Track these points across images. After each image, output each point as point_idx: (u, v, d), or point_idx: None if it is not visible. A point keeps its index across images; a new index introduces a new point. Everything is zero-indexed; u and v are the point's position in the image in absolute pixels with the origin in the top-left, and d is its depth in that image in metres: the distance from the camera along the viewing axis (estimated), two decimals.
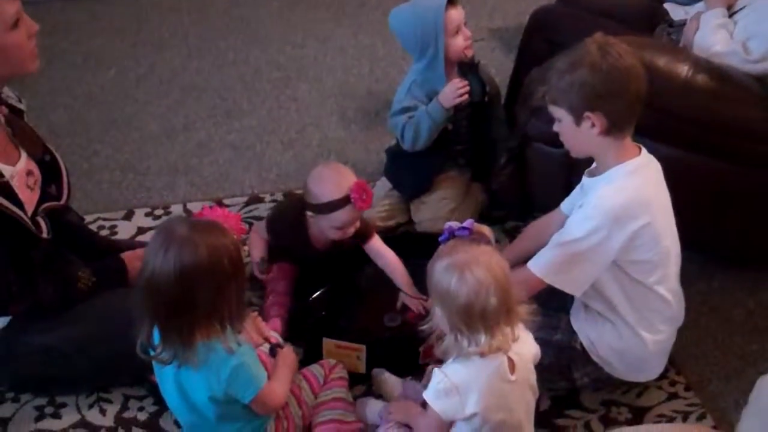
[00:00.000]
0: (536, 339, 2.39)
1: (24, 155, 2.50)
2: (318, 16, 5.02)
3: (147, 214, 3.43)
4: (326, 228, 2.81)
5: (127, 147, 3.91)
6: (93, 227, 3.29)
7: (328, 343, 2.66)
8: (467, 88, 3.05)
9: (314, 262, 2.94)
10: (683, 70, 2.82)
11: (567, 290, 2.43)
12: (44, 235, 2.45)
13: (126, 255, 2.69)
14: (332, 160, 3.66)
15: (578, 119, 2.33)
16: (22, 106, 2.62)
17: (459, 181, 3.28)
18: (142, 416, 2.63)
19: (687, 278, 2.60)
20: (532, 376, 2.22)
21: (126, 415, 2.64)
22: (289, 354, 2.46)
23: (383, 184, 3.37)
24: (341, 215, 2.74)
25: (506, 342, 2.08)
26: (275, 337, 2.61)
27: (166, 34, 4.87)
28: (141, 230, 3.33)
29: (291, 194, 3.46)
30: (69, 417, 2.63)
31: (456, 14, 3.03)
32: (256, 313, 2.66)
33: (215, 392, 2.16)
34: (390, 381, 2.62)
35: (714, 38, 3.01)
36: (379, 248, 2.92)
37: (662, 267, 2.46)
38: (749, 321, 2.95)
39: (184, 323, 2.07)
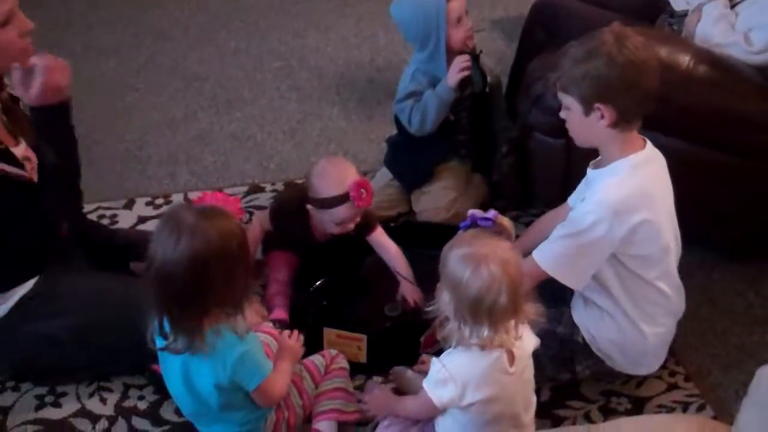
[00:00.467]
0: (540, 330, 2.39)
1: (22, 142, 2.50)
2: (319, 6, 5.01)
3: (148, 203, 3.43)
4: (326, 222, 2.82)
5: (128, 136, 3.91)
6: (93, 216, 3.31)
7: (329, 333, 2.66)
8: (469, 63, 3.05)
9: (316, 251, 2.94)
10: (685, 60, 2.81)
11: (567, 283, 2.43)
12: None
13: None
14: (336, 155, 3.65)
15: (588, 109, 2.32)
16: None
17: (460, 171, 3.28)
18: (142, 405, 2.63)
19: (687, 270, 2.60)
20: (530, 371, 2.23)
21: (126, 404, 2.64)
22: (291, 345, 2.45)
23: (384, 174, 3.37)
24: (340, 212, 2.75)
25: (509, 339, 2.08)
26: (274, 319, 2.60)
27: (167, 23, 4.86)
28: (141, 219, 3.33)
29: (292, 184, 3.45)
30: (69, 406, 2.64)
31: (457, 4, 3.02)
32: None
33: (221, 379, 2.15)
34: (414, 379, 2.57)
35: (715, 29, 3.00)
36: (381, 240, 2.93)
37: (663, 262, 2.46)
38: (749, 312, 2.95)
39: (195, 310, 2.06)
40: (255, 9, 4.99)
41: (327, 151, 3.67)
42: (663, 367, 2.69)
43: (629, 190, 2.35)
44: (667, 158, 2.46)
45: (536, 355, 2.50)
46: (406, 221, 3.26)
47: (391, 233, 2.94)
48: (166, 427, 2.57)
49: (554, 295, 2.48)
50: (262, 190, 3.48)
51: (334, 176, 2.76)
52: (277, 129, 3.92)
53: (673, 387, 2.67)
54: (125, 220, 3.34)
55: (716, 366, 2.76)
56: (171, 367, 2.25)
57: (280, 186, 3.50)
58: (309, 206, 2.81)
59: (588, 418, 2.57)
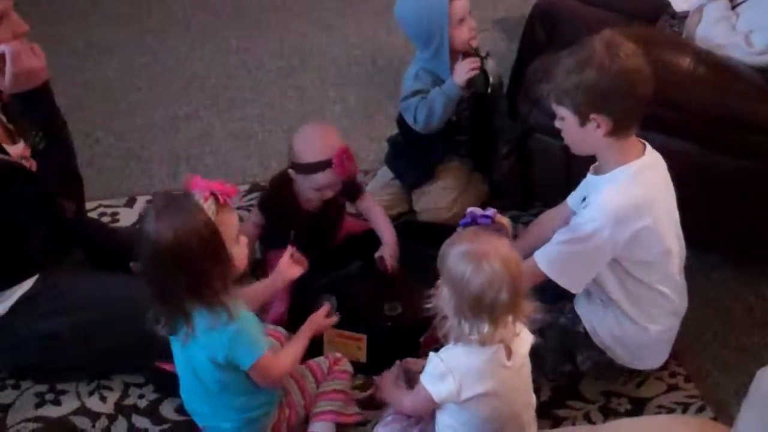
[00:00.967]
0: (542, 321, 2.45)
1: (21, 142, 2.50)
2: (321, 5, 5.01)
3: (149, 202, 3.42)
4: (305, 188, 2.84)
5: (130, 135, 3.92)
6: (94, 214, 3.31)
7: (329, 332, 2.66)
8: (478, 63, 3.05)
9: (306, 224, 2.93)
10: (686, 61, 2.81)
11: (567, 287, 2.45)
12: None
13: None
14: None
15: (583, 120, 2.32)
16: None
17: (461, 170, 3.28)
18: (142, 403, 2.63)
19: (687, 272, 2.60)
20: (528, 368, 2.23)
21: (126, 402, 2.64)
22: (314, 319, 2.44)
23: (385, 174, 3.37)
24: (320, 178, 2.77)
25: (508, 335, 2.09)
26: None
27: (169, 22, 4.86)
28: (143, 218, 3.32)
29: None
30: (69, 404, 2.64)
31: (461, 5, 3.02)
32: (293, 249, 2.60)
33: (216, 356, 2.16)
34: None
35: (716, 30, 3.00)
36: (368, 205, 2.99)
37: (663, 266, 2.47)
38: (749, 314, 2.95)
39: (174, 300, 2.10)
40: (257, 8, 4.99)
41: None
42: (663, 368, 2.70)
43: (630, 199, 2.36)
44: (668, 160, 2.47)
45: (537, 347, 2.52)
46: (406, 221, 3.26)
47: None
48: (166, 426, 2.57)
49: (557, 288, 2.48)
50: (263, 188, 3.48)
51: (317, 142, 2.79)
52: (278, 128, 3.92)
53: (673, 388, 2.67)
54: (126, 218, 3.34)
55: (716, 367, 2.76)
56: (178, 355, 2.27)
57: None
58: (290, 171, 2.84)
59: (588, 419, 2.57)
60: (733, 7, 3.08)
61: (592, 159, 2.50)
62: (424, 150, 3.22)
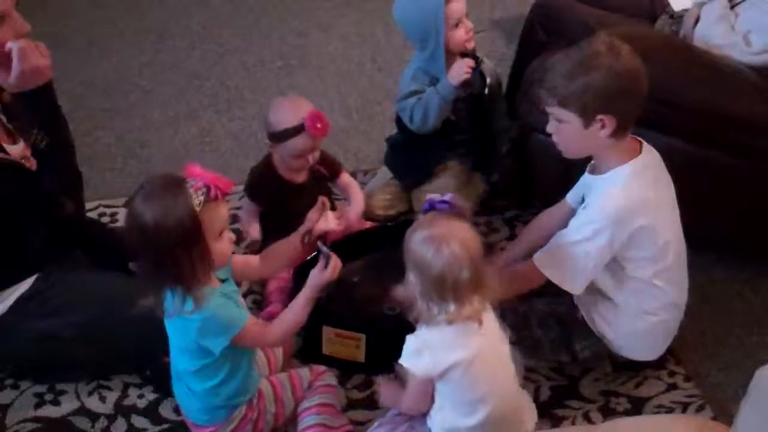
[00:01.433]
0: (541, 311, 2.59)
1: (21, 141, 2.50)
2: (320, 5, 5.01)
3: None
4: (286, 158, 2.90)
5: (129, 134, 3.92)
6: (94, 214, 3.31)
7: (327, 332, 2.66)
8: (473, 63, 3.05)
9: (297, 196, 2.94)
10: (683, 61, 2.81)
11: (567, 288, 2.46)
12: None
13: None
14: (332, 148, 3.67)
15: (589, 121, 2.32)
16: None
17: (460, 170, 3.28)
18: (141, 403, 2.64)
19: (687, 270, 2.60)
20: (501, 336, 2.28)
21: (126, 402, 2.64)
22: (316, 274, 2.39)
23: (384, 173, 3.38)
24: (296, 142, 2.82)
25: (475, 312, 2.15)
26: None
27: (169, 22, 4.86)
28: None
29: None
30: (69, 404, 2.64)
31: (457, 6, 3.02)
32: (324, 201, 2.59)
33: (187, 341, 2.20)
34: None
35: (715, 30, 3.00)
36: (347, 182, 3.08)
37: (660, 262, 2.47)
38: (749, 312, 2.95)
39: (153, 276, 2.13)
40: (256, 8, 4.99)
41: (328, 149, 3.66)
42: (662, 367, 2.70)
43: (630, 200, 2.37)
44: (667, 159, 2.47)
45: (536, 336, 2.55)
46: (405, 220, 3.25)
47: (391, 232, 2.94)
48: (165, 426, 2.58)
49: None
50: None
51: (288, 108, 2.85)
52: None
53: (672, 387, 2.68)
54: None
55: (716, 366, 2.76)
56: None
57: None
58: (269, 143, 2.90)
59: (587, 418, 2.58)
60: (732, 7, 3.08)
61: (590, 158, 2.51)
62: (423, 150, 3.22)
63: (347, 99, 4.14)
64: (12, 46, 2.35)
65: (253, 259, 2.53)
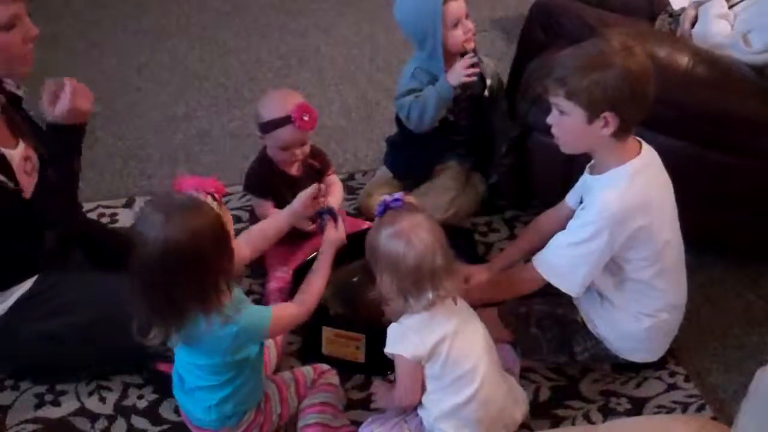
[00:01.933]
0: (540, 312, 2.59)
1: (22, 142, 2.50)
2: (320, 5, 5.01)
3: (146, 203, 3.42)
4: (274, 150, 2.92)
5: (129, 135, 3.92)
6: (93, 215, 3.31)
7: (327, 332, 2.66)
8: (477, 70, 3.05)
9: (295, 187, 2.90)
10: (684, 61, 2.81)
11: (567, 290, 2.47)
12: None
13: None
14: (336, 154, 3.69)
15: (593, 117, 2.31)
16: (20, 93, 2.62)
17: (459, 170, 3.28)
18: (141, 404, 2.63)
19: (687, 270, 2.60)
20: (480, 323, 2.34)
21: (125, 403, 2.64)
22: (329, 237, 2.52)
23: (384, 173, 3.38)
24: (283, 134, 2.84)
25: (450, 291, 2.22)
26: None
27: (168, 22, 4.86)
28: (143, 225, 3.31)
29: None
30: (68, 405, 2.64)
31: (455, 7, 3.02)
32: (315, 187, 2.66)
33: (215, 359, 2.18)
34: None
35: (714, 29, 3.01)
36: (333, 179, 3.10)
37: (659, 262, 2.47)
38: (749, 312, 2.95)
39: (173, 301, 2.06)
40: (255, 8, 4.99)
41: (326, 150, 3.66)
42: (663, 367, 2.70)
43: (629, 200, 2.36)
44: (667, 158, 2.47)
45: (535, 337, 2.55)
46: None
47: None
48: (165, 426, 2.57)
49: None
50: None
51: (276, 100, 2.88)
52: None
53: (672, 387, 2.67)
54: (125, 219, 3.33)
55: (716, 366, 2.76)
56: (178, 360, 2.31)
57: None
58: (259, 134, 2.92)
59: (587, 419, 2.57)
60: (730, 7, 3.08)
61: (590, 158, 2.50)
62: (422, 150, 3.22)
63: (347, 99, 4.14)
64: (66, 83, 2.44)
65: (240, 247, 2.45)
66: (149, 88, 4.27)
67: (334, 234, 2.53)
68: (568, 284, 2.45)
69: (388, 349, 2.27)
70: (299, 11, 4.95)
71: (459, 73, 3.02)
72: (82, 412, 2.62)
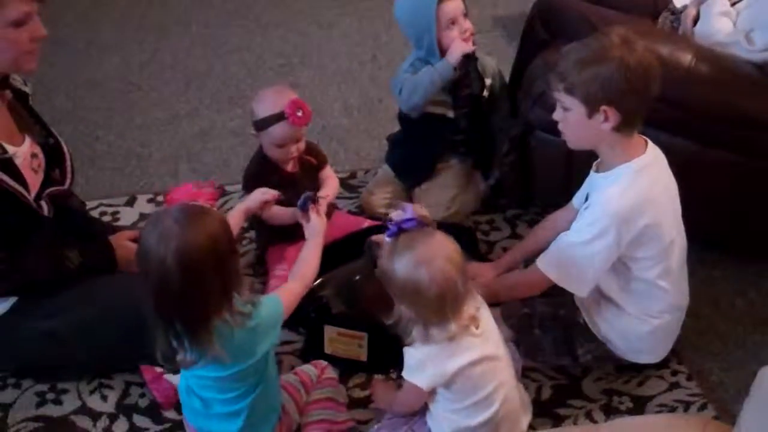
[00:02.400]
0: (543, 313, 2.58)
1: (28, 138, 2.51)
2: (321, 3, 5.01)
3: (149, 201, 3.43)
4: (270, 147, 2.90)
5: (130, 133, 3.91)
6: (95, 213, 3.30)
7: (329, 331, 2.66)
8: (471, 46, 3.05)
9: (292, 184, 2.95)
10: (686, 59, 2.81)
11: (573, 291, 2.46)
12: (45, 212, 2.47)
13: (114, 238, 2.69)
14: (339, 153, 3.69)
15: (592, 112, 2.31)
16: (27, 89, 2.62)
17: (460, 168, 3.28)
18: (143, 402, 2.63)
19: (689, 268, 2.60)
20: (496, 328, 2.29)
21: (127, 401, 2.64)
22: (312, 225, 2.50)
23: (386, 172, 3.37)
24: (277, 130, 2.83)
25: (472, 317, 2.16)
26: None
27: (170, 20, 4.86)
28: (143, 216, 3.32)
29: None
30: (70, 403, 2.64)
31: (450, 7, 3.01)
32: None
33: (253, 356, 2.16)
34: None
35: (716, 27, 3.00)
36: (328, 174, 3.07)
37: (664, 261, 2.47)
38: (751, 311, 2.95)
39: (199, 317, 2.02)
40: (257, 6, 4.99)
41: (328, 149, 3.67)
42: (665, 366, 2.70)
43: (634, 198, 2.36)
44: (669, 157, 2.46)
45: (537, 338, 2.54)
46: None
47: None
48: (166, 425, 2.57)
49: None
50: None
51: (269, 97, 2.87)
52: None
53: (674, 386, 2.67)
54: (127, 217, 3.33)
55: (718, 365, 2.76)
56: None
57: None
58: (253, 132, 2.92)
59: (589, 417, 2.57)
60: (732, 5, 3.07)
61: (592, 156, 2.50)
62: (423, 148, 3.22)
63: (348, 97, 4.13)
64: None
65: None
66: (150, 86, 4.26)
67: (317, 220, 2.50)
68: (576, 285, 2.45)
69: (405, 376, 2.22)
70: (300, 9, 4.94)
71: (456, 50, 3.01)
72: (84, 410, 2.61)
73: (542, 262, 2.47)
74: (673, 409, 2.60)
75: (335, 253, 2.93)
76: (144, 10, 4.98)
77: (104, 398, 2.65)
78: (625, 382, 2.67)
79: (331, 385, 2.52)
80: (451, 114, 3.15)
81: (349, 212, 3.26)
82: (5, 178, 2.36)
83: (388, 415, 2.45)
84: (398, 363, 2.63)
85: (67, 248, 2.56)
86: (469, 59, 3.08)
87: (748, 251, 3.11)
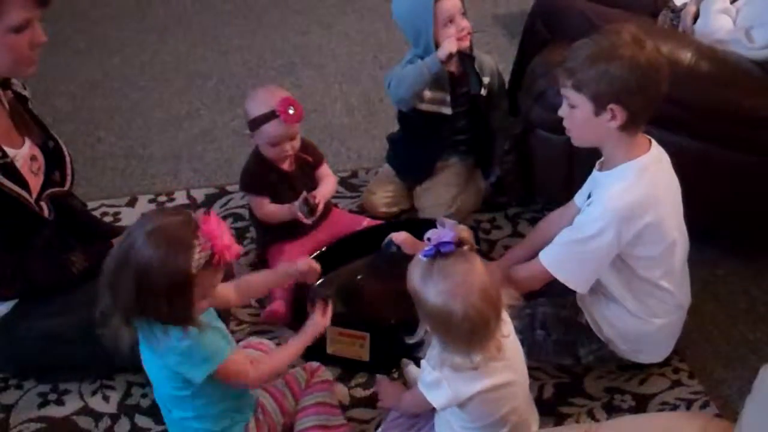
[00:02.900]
0: (545, 313, 2.56)
1: (28, 141, 2.51)
2: (322, 3, 5.01)
3: (150, 201, 3.43)
4: (265, 147, 2.92)
5: (131, 134, 3.92)
6: (96, 214, 3.30)
7: (331, 330, 2.65)
8: (464, 44, 3.05)
9: (290, 182, 2.99)
10: (687, 56, 2.80)
11: (573, 286, 2.45)
12: (46, 215, 2.46)
13: (117, 240, 2.68)
14: (343, 153, 3.70)
15: (599, 109, 2.30)
16: (26, 93, 2.63)
17: (461, 167, 3.28)
18: (145, 403, 2.63)
19: (691, 266, 2.60)
20: (517, 345, 2.23)
21: (129, 402, 2.64)
22: (314, 322, 2.42)
23: (387, 171, 3.37)
24: (270, 129, 2.85)
25: (498, 346, 2.08)
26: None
27: (170, 21, 4.87)
28: (142, 219, 3.31)
29: None
30: (72, 404, 2.64)
31: (448, 5, 3.01)
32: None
33: (169, 369, 2.15)
34: (414, 372, 2.60)
35: (716, 24, 3.00)
36: (325, 172, 3.09)
37: (667, 260, 2.47)
38: (753, 309, 2.94)
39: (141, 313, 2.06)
40: (257, 6, 4.99)
41: (329, 148, 3.67)
42: (667, 364, 2.69)
43: (637, 196, 2.35)
44: (671, 155, 2.46)
45: (539, 339, 2.53)
46: (407, 218, 3.25)
47: (393, 230, 2.93)
48: None
49: (560, 284, 2.49)
50: None
51: (262, 97, 2.90)
52: None
53: (676, 384, 2.67)
54: (128, 217, 3.33)
55: (720, 363, 2.75)
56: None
57: None
58: (248, 134, 2.94)
59: (591, 416, 2.57)
60: (732, 2, 3.07)
61: (593, 155, 2.49)
62: (425, 147, 3.22)
63: (349, 97, 4.13)
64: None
65: (228, 291, 2.42)
66: (152, 86, 4.27)
67: (321, 320, 2.41)
68: (575, 280, 2.44)
69: (420, 389, 2.17)
70: (301, 9, 4.95)
71: (446, 47, 3.00)
72: (86, 411, 2.62)
73: (543, 257, 2.46)
74: (675, 407, 2.59)
75: (335, 253, 2.93)
76: (145, 10, 4.99)
77: (106, 399, 2.65)
78: (627, 380, 2.67)
79: (322, 389, 2.47)
80: (448, 111, 3.13)
81: (350, 211, 3.26)
82: (6, 182, 2.37)
83: (392, 415, 2.44)
84: (400, 363, 2.65)
85: (71, 252, 2.56)
86: (466, 58, 3.08)
87: (750, 249, 3.10)
